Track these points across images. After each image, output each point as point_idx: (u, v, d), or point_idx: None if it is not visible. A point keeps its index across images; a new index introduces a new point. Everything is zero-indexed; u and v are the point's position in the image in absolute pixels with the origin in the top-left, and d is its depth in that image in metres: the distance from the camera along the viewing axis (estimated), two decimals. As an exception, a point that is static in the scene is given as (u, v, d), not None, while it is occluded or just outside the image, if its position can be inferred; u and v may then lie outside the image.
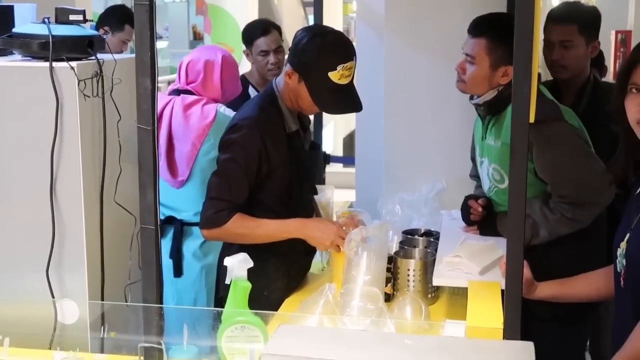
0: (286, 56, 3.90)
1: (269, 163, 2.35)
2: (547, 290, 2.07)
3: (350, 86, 2.34)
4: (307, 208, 2.53)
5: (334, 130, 8.51)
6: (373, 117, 3.13)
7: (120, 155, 2.17)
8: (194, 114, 2.92)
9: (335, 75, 2.28)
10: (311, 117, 3.08)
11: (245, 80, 3.83)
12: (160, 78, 1.97)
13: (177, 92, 2.99)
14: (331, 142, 8.18)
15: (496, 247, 2.39)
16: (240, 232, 2.31)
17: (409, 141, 3.27)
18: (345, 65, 2.29)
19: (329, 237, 2.32)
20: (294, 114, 2.44)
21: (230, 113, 2.92)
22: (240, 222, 2.30)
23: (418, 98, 3.25)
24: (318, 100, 2.33)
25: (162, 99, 2.93)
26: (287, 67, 2.38)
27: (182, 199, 2.95)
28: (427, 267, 2.36)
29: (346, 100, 2.34)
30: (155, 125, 1.82)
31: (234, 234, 2.31)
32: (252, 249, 2.12)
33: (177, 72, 3.06)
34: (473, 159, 2.86)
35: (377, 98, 3.29)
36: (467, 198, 2.72)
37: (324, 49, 2.30)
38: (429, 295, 2.37)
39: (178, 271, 2.96)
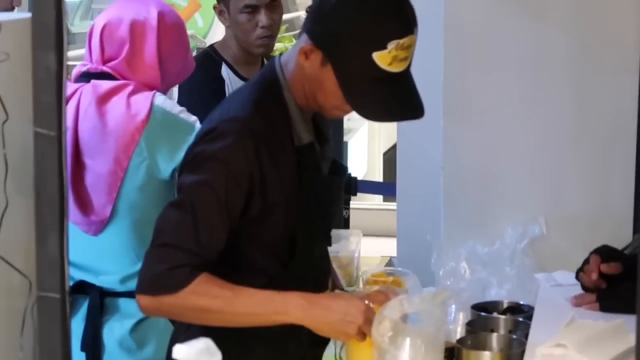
0: (284, 16, 3.91)
1: (265, 195, 2.36)
2: None
3: (405, 76, 2.36)
4: (319, 270, 2.54)
5: (368, 139, 8.39)
6: (424, 119, 3.16)
7: (7, 178, 2.18)
8: (115, 110, 2.94)
9: (383, 58, 2.29)
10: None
11: (215, 56, 3.89)
12: (73, 52, 1.98)
13: (86, 76, 3.01)
14: (364, 158, 8.03)
15: (626, 331, 2.39)
16: (205, 306, 2.31)
17: (483, 155, 3.29)
18: (400, 42, 2.29)
19: (355, 320, 2.30)
20: (308, 117, 2.46)
21: (175, 107, 2.97)
22: (207, 287, 2.29)
23: (499, 82, 3.27)
24: (352, 97, 2.33)
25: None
26: (302, 40, 2.38)
27: (102, 253, 2.98)
28: (512, 363, 2.38)
29: (399, 98, 2.36)
30: (64, 129, 1.83)
31: (193, 307, 2.31)
32: (223, 332, 2.13)
33: (86, 43, 3.07)
34: None
35: (431, 86, 3.27)
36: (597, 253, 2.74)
37: (368, 14, 2.31)
38: (515, 411, 2.41)
39: None
